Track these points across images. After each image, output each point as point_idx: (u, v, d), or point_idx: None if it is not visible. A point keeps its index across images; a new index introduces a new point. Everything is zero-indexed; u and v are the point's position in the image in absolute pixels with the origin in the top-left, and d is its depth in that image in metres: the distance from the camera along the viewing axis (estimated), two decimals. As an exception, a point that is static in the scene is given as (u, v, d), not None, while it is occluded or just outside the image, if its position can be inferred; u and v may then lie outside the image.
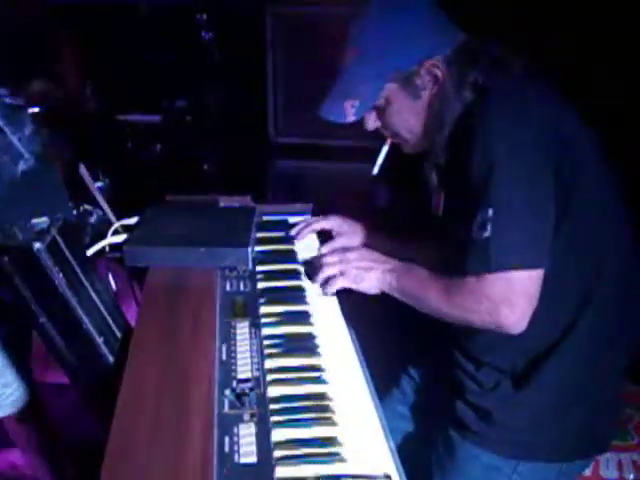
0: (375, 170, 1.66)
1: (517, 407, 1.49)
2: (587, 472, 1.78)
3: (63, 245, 1.37)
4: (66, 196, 2.46)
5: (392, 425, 1.27)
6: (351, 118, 1.54)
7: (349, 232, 1.85)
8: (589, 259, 1.44)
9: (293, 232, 1.89)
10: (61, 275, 1.31)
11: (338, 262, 1.62)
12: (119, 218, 2.38)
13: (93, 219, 3.24)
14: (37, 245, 1.28)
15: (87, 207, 3.10)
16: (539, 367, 1.47)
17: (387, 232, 1.85)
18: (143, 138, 3.74)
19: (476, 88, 1.46)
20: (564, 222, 1.39)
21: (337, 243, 1.82)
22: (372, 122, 1.59)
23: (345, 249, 1.69)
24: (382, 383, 1.47)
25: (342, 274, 1.59)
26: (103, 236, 2.39)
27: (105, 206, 2.51)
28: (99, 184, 3.39)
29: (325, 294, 1.61)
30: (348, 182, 3.61)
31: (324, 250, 1.78)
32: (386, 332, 1.97)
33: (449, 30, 1.52)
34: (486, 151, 1.36)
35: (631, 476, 1.77)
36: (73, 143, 3.37)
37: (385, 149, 1.65)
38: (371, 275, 1.57)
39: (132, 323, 1.73)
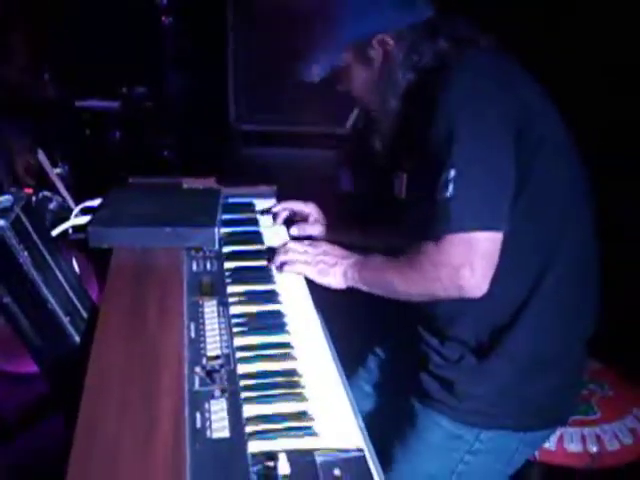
0: (348, 124, 1.73)
1: (481, 377, 1.52)
2: (552, 446, 1.81)
3: (28, 223, 1.34)
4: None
5: (358, 404, 1.28)
6: (315, 78, 1.65)
7: (322, 222, 1.91)
8: (548, 229, 1.48)
9: (274, 209, 1.93)
10: (26, 253, 1.28)
11: (304, 252, 1.64)
12: (79, 204, 2.35)
13: (52, 205, 3.19)
14: (1, 223, 1.25)
15: (46, 193, 3.06)
16: (502, 337, 1.49)
17: (351, 223, 1.93)
18: (102, 125, 3.69)
19: (435, 63, 1.52)
20: (523, 190, 1.42)
21: (312, 229, 1.88)
22: (338, 84, 1.67)
23: (312, 243, 1.70)
24: (348, 362, 1.48)
25: (306, 264, 1.61)
26: (63, 222, 2.35)
27: (64, 192, 2.47)
28: (58, 170, 3.35)
29: (279, 272, 1.62)
30: (311, 168, 3.60)
31: (307, 233, 1.84)
32: (352, 311, 1.97)
33: (414, 6, 1.56)
34: (448, 118, 1.40)
35: (594, 448, 1.80)
36: (31, 129, 3.31)
37: (356, 111, 1.81)
38: (335, 270, 1.60)
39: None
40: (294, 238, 1.82)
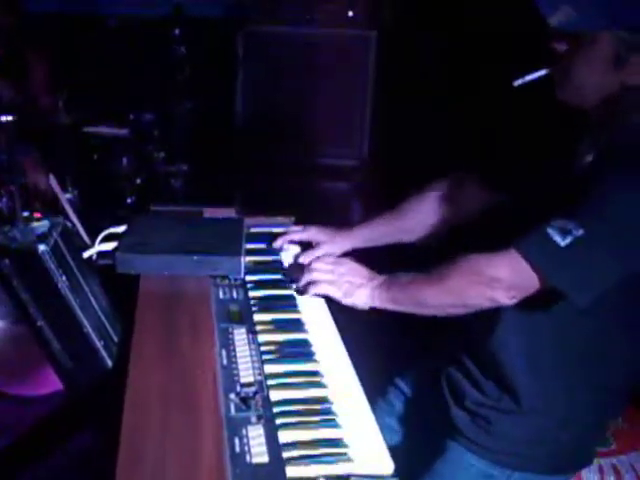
0: (518, 82, 1.48)
1: (519, 421, 1.52)
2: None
3: (64, 249, 1.37)
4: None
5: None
6: (553, 21, 1.36)
7: (327, 241, 1.86)
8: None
9: (274, 244, 1.90)
10: (64, 278, 1.31)
11: (330, 271, 1.64)
12: (86, 230, 2.38)
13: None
14: (42, 247, 1.28)
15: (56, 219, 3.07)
16: (547, 385, 1.50)
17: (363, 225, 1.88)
18: (110, 151, 3.73)
19: None
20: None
21: (319, 252, 1.82)
22: (558, 41, 1.41)
23: (337, 261, 1.69)
24: (368, 394, 1.50)
25: (331, 284, 1.61)
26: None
27: (74, 217, 2.50)
28: (68, 195, 3.37)
29: (303, 294, 1.63)
30: (320, 199, 3.65)
31: (315, 255, 1.78)
32: (372, 343, 1.99)
33: None
34: (621, 180, 1.32)
35: (611, 479, 1.83)
36: (44, 154, 3.34)
37: (542, 72, 1.46)
38: (361, 291, 1.59)
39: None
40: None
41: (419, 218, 1.82)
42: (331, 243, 1.85)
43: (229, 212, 2.06)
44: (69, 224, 3.14)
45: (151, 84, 3.71)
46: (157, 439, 1.12)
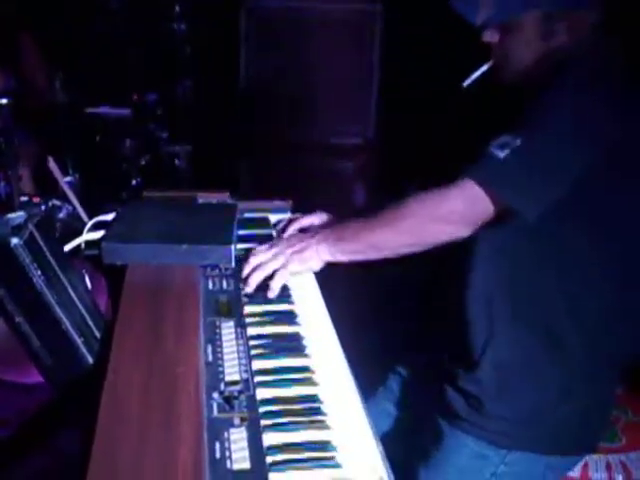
0: (466, 82, 1.61)
1: (514, 398, 1.49)
2: (576, 474, 1.77)
3: (41, 241, 1.30)
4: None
5: (379, 423, 1.25)
6: (477, 20, 1.52)
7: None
8: (597, 255, 1.45)
9: (279, 228, 1.83)
10: (39, 272, 1.25)
11: (272, 257, 1.54)
12: (89, 213, 2.32)
13: (62, 214, 3.15)
14: (14, 240, 1.21)
15: (56, 202, 3.03)
16: (539, 361, 1.47)
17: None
18: (113, 132, 3.66)
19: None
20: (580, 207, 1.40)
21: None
22: (490, 35, 1.54)
23: (269, 245, 1.59)
24: (367, 381, 1.45)
25: (284, 266, 1.52)
26: (73, 232, 2.31)
27: (75, 201, 2.44)
28: (68, 179, 3.32)
29: (273, 293, 1.52)
30: (324, 180, 3.58)
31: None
32: (371, 330, 1.93)
33: None
34: (551, 93, 1.38)
35: (620, 477, 1.77)
36: (42, 137, 3.28)
37: (484, 68, 1.59)
38: (309, 253, 1.53)
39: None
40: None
41: None
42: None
43: (223, 197, 2.00)
44: (69, 208, 3.09)
45: (152, 63, 3.63)
46: (132, 443, 1.06)
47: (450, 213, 1.41)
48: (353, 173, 3.70)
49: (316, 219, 1.78)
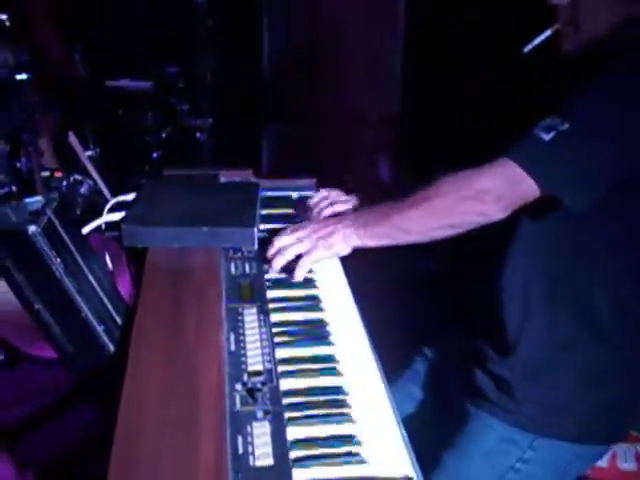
0: (528, 48, 1.50)
1: (542, 383, 1.46)
2: (605, 464, 1.73)
3: (59, 226, 1.28)
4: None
5: (404, 406, 1.21)
6: None
7: None
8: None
9: (314, 212, 1.73)
10: (58, 260, 1.22)
11: (297, 241, 1.48)
12: (110, 187, 2.29)
13: (84, 189, 3.13)
14: (32, 228, 1.19)
15: (77, 177, 3.00)
16: (574, 347, 1.43)
17: None
18: (134, 105, 3.63)
19: None
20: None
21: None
22: None
23: (294, 227, 1.53)
24: (393, 365, 1.42)
25: (308, 252, 1.47)
26: (95, 207, 2.28)
27: (96, 176, 2.42)
28: (89, 152, 3.29)
29: (297, 279, 1.48)
30: (348, 151, 3.52)
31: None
32: (397, 312, 1.89)
33: None
34: (614, 77, 1.30)
35: (650, 468, 1.73)
36: (62, 110, 3.26)
37: (548, 33, 1.47)
38: (336, 238, 1.46)
39: (129, 303, 1.65)
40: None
41: None
42: None
43: (247, 174, 1.95)
44: (90, 183, 3.06)
45: (173, 36, 3.58)
46: (153, 437, 1.03)
47: (483, 192, 1.33)
48: (377, 144, 3.64)
49: (342, 205, 1.71)
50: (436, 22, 3.50)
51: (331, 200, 1.72)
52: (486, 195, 1.33)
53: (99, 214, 1.72)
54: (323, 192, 1.77)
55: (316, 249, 1.47)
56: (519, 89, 1.75)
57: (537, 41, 1.47)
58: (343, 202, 1.72)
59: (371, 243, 1.45)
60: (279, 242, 1.49)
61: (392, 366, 1.37)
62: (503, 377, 1.49)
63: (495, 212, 1.34)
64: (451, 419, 1.58)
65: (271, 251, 1.49)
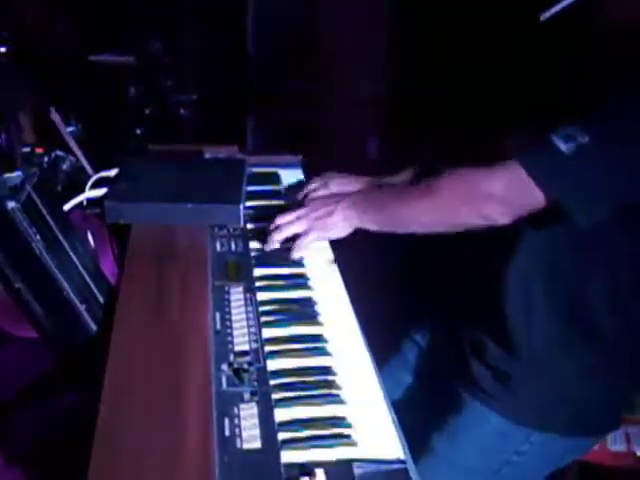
0: (545, 15, 1.34)
1: (543, 378, 1.42)
2: (595, 446, 1.72)
3: (39, 202, 1.24)
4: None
5: (394, 393, 1.19)
6: None
7: None
8: None
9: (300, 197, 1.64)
10: (38, 237, 1.19)
11: (295, 219, 1.46)
12: (93, 163, 2.24)
13: (66, 166, 3.07)
14: (11, 204, 1.15)
15: (59, 153, 2.94)
16: (574, 343, 1.39)
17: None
18: (116, 80, 3.56)
19: None
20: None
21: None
22: None
23: (295, 206, 1.50)
24: (382, 349, 1.39)
25: (306, 232, 1.44)
26: (77, 184, 2.23)
27: (78, 152, 2.36)
28: (71, 128, 3.23)
29: (292, 259, 1.45)
30: (335, 131, 3.48)
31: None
32: (384, 293, 1.86)
33: None
34: None
35: (639, 449, 1.71)
36: (43, 85, 3.18)
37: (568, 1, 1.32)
38: (334, 218, 1.43)
39: (112, 282, 1.62)
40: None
41: None
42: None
43: (232, 151, 1.92)
44: (72, 159, 3.01)
45: (157, 10, 3.51)
46: (137, 420, 1.00)
47: (490, 196, 1.28)
48: (364, 125, 3.60)
49: (335, 186, 1.64)
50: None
51: (325, 181, 1.65)
52: (493, 199, 1.28)
53: (81, 191, 1.68)
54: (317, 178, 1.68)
55: (313, 230, 1.43)
56: (521, 67, 1.66)
57: (557, 8, 1.32)
58: (339, 183, 1.65)
59: (373, 228, 1.41)
60: (279, 219, 1.46)
61: (380, 350, 1.34)
62: (501, 369, 1.45)
63: (501, 217, 1.29)
64: (443, 405, 1.55)
65: (270, 227, 1.46)
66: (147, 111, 3.63)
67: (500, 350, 1.45)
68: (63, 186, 2.91)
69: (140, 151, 1.90)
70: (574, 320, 1.38)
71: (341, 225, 1.43)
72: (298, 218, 1.45)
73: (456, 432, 1.51)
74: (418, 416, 1.53)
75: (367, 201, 1.42)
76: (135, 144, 3.60)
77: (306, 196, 1.58)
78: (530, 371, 1.43)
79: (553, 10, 1.32)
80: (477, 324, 1.51)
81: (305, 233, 1.44)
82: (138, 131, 3.64)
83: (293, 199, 1.63)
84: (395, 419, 1.11)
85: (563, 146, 1.20)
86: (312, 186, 1.63)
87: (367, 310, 1.41)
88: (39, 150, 2.97)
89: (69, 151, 2.70)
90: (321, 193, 1.59)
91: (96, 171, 2.45)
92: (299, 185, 1.75)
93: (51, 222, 1.26)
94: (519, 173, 1.24)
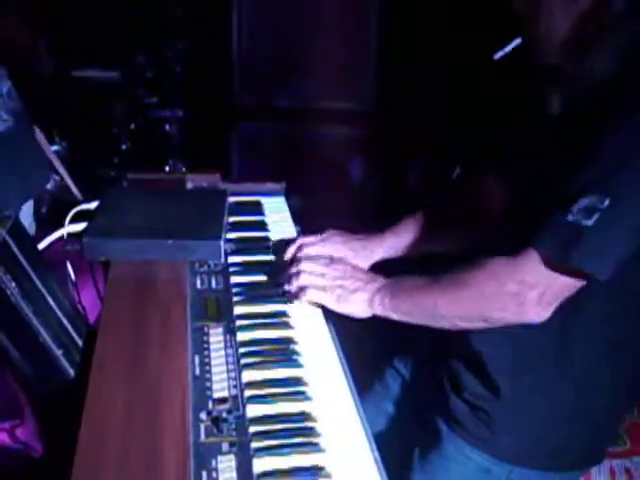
0: (498, 55, 1.38)
1: (521, 416, 1.41)
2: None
3: (15, 248, 1.22)
4: (46, 161, 2.27)
5: (376, 423, 1.17)
6: None
7: (351, 257, 1.57)
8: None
9: (285, 257, 1.56)
10: (14, 284, 1.17)
11: (319, 274, 1.42)
12: (78, 180, 2.22)
13: (50, 186, 3.05)
14: (-15, 252, 1.14)
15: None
16: (554, 381, 1.38)
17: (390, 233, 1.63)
18: (101, 96, 3.54)
19: None
20: None
21: (313, 249, 1.54)
22: (520, 2, 1.28)
23: (330, 263, 1.45)
24: (363, 378, 1.38)
25: (322, 289, 1.41)
26: (61, 206, 2.20)
27: (63, 171, 2.35)
28: (55, 148, 3.20)
29: (294, 301, 1.43)
30: (318, 147, 3.47)
31: (303, 252, 1.53)
32: (370, 327, 1.85)
33: None
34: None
35: (623, 482, 1.71)
36: (26, 104, 3.16)
37: (517, 42, 1.36)
38: (357, 297, 1.39)
39: (94, 317, 1.60)
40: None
41: (449, 227, 1.64)
42: (356, 258, 1.57)
43: (214, 178, 1.90)
44: (57, 179, 2.97)
45: (141, 25, 3.49)
46: (113, 472, 0.99)
47: (522, 291, 1.22)
48: (349, 141, 3.59)
49: (333, 249, 1.56)
50: (413, 15, 3.43)
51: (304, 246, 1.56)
52: (526, 303, 1.22)
53: (65, 214, 1.66)
54: (299, 241, 1.59)
55: (331, 296, 1.40)
56: (491, 90, 1.69)
57: (508, 48, 1.38)
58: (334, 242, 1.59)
59: (394, 317, 1.37)
60: (302, 265, 1.44)
61: (363, 379, 1.33)
62: (481, 407, 1.43)
63: (538, 317, 1.24)
64: (424, 439, 1.54)
65: (291, 270, 1.44)
66: (132, 127, 3.62)
67: (479, 388, 1.44)
68: (48, 207, 2.88)
69: (120, 180, 1.87)
70: (564, 366, 1.37)
71: (361, 307, 1.39)
72: (323, 274, 1.42)
73: (436, 466, 1.50)
74: (401, 450, 1.53)
75: (396, 288, 1.37)
76: (120, 160, 3.58)
77: (300, 247, 1.54)
78: (513, 411, 1.41)
79: (505, 50, 1.36)
80: (455, 359, 1.49)
81: (321, 289, 1.41)
82: (123, 147, 3.63)
83: (283, 249, 1.59)
84: (378, 459, 1.10)
85: (587, 221, 1.15)
86: (308, 240, 1.58)
87: (350, 339, 1.40)
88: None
89: (54, 170, 2.68)
90: (314, 249, 1.54)
91: (81, 190, 2.43)
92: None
93: (27, 266, 1.24)
94: (549, 263, 1.20)
